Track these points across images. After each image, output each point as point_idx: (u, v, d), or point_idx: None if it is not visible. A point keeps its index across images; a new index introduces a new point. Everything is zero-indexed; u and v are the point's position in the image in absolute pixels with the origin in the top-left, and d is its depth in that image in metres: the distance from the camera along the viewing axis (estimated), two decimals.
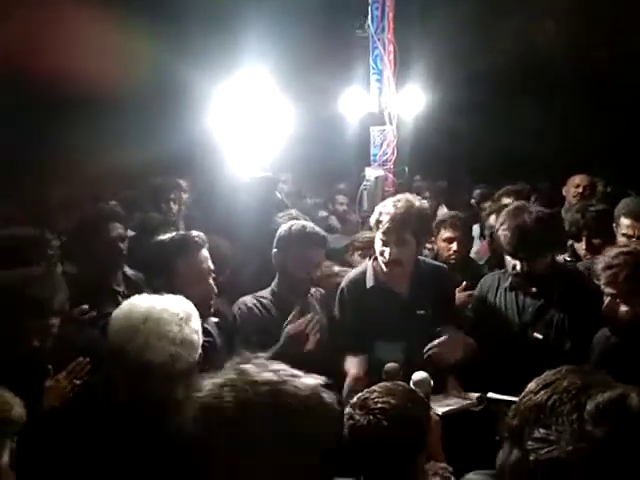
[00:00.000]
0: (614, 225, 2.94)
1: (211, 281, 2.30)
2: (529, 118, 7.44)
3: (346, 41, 4.73)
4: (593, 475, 0.82)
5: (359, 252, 3.33)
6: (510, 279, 2.59)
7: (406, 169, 4.48)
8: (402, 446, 1.55)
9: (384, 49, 4.48)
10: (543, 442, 0.86)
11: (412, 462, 1.58)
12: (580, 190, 4.17)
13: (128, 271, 3.01)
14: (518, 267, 2.45)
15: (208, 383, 1.10)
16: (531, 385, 0.95)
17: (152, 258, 2.48)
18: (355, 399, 1.62)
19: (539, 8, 7.39)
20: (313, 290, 2.68)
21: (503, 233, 2.46)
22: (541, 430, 0.87)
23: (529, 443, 0.88)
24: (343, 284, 2.61)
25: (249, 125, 3.74)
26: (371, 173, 4.43)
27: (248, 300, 2.55)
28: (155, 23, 5.58)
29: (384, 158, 4.42)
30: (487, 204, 4.55)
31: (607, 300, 2.06)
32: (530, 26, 7.66)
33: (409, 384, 1.95)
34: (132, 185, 5.19)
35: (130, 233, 3.37)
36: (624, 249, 2.10)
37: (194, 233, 2.33)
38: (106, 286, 2.84)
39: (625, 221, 2.80)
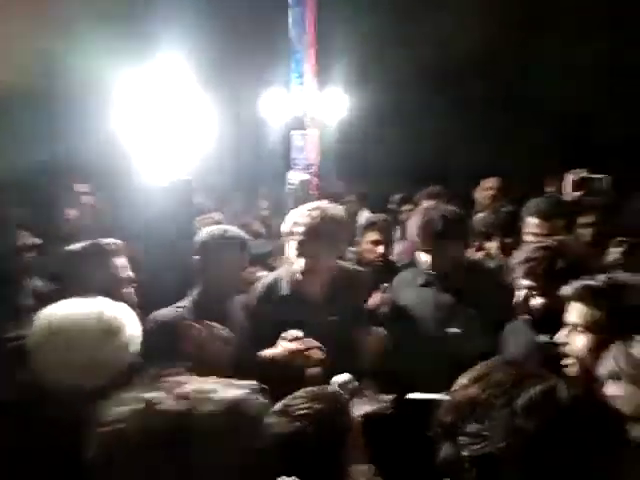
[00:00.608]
0: (521, 224, 3.05)
1: (130, 291, 2.16)
2: (447, 125, 7.73)
3: (268, 42, 4.69)
4: (526, 469, 0.83)
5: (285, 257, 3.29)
6: (425, 276, 2.64)
7: (330, 173, 4.50)
8: (327, 451, 1.53)
9: (305, 52, 4.48)
10: (476, 437, 0.86)
11: (337, 466, 1.57)
12: (492, 192, 4.31)
13: (38, 283, 2.81)
14: (429, 262, 2.52)
15: (113, 410, 1.03)
16: (462, 379, 0.96)
17: (63, 268, 2.31)
18: (278, 405, 1.59)
19: (457, 16, 7.69)
20: (236, 297, 2.60)
21: (415, 231, 2.54)
22: (474, 425, 0.87)
23: (462, 438, 0.88)
24: (257, 291, 2.55)
25: (164, 122, 3.57)
26: (295, 177, 4.41)
27: (165, 314, 2.40)
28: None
29: (308, 162, 4.42)
30: (406, 207, 4.66)
31: (522, 292, 2.13)
32: (447, 35, 7.95)
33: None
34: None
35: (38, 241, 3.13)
36: (543, 244, 2.17)
37: (108, 240, 2.18)
38: (10, 301, 2.63)
39: (533, 220, 2.90)
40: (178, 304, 2.47)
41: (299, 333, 2.29)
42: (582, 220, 3.06)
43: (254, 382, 1.12)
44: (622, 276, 1.70)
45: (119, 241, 2.18)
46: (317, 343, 2.23)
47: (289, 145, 4.46)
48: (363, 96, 4.72)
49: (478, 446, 0.86)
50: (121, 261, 2.16)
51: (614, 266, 2.69)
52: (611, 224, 2.87)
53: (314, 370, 2.14)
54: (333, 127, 4.51)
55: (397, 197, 5.37)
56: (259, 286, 2.58)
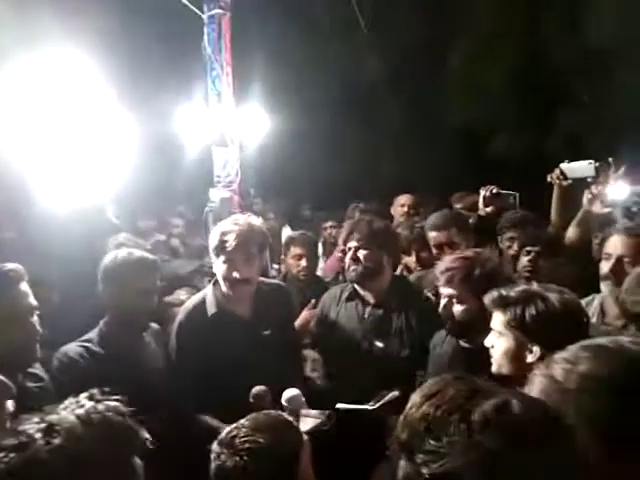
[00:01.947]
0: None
1: (34, 320, 1.98)
2: (364, 144, 7.96)
3: (185, 60, 4.60)
4: None
5: (209, 277, 3.21)
6: (350, 290, 2.68)
7: (252, 191, 4.47)
8: None
9: (222, 70, 4.45)
10: (434, 455, 0.85)
11: None
12: (405, 209, 4.44)
13: None
14: (355, 272, 2.56)
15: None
16: (415, 397, 0.94)
17: None
18: (223, 435, 1.52)
19: (371, 36, 7.97)
20: (151, 326, 2.49)
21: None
22: (431, 442, 0.86)
23: (420, 456, 0.87)
24: (181, 315, 2.46)
25: (76, 139, 3.36)
26: (216, 194, 4.33)
27: (70, 349, 2.24)
28: None
29: (228, 179, 4.36)
30: (328, 224, 4.73)
31: (444, 301, 2.21)
32: (359, 60, 8.23)
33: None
34: None
35: None
36: (462, 254, 2.28)
37: (8, 265, 1.95)
38: None
39: (430, 234, 3.09)
40: (83, 338, 2.30)
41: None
42: (507, 235, 3.23)
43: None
44: (534, 287, 1.79)
45: (20, 266, 1.98)
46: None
47: (209, 162, 4.38)
48: (281, 114, 4.74)
49: (437, 464, 0.85)
50: (23, 288, 1.96)
51: (523, 273, 2.87)
52: (530, 236, 3.04)
53: (258, 388, 2.08)
54: (252, 145, 4.48)
55: (320, 214, 5.45)
56: (186, 307, 2.49)
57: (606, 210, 2.82)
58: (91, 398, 1.03)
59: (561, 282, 1.87)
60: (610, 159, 2.95)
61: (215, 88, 4.42)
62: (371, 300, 2.63)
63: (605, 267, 2.42)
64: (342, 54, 8.05)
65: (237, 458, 1.44)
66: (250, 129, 4.49)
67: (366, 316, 2.62)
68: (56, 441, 0.94)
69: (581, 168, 2.98)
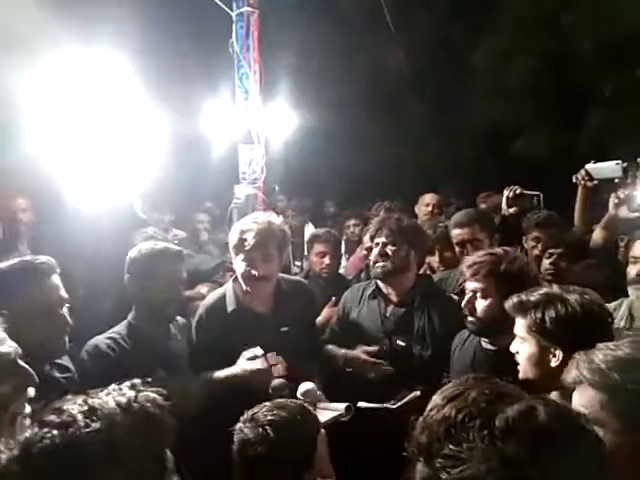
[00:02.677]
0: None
1: (64, 312, 2.05)
2: (389, 142, 7.93)
3: (212, 57, 4.64)
4: None
5: (231, 273, 3.25)
6: (372, 288, 2.68)
7: (276, 188, 4.49)
8: (290, 461, 1.54)
9: (250, 68, 4.47)
10: (454, 460, 0.82)
11: (299, 478, 1.56)
12: (430, 208, 4.43)
13: None
14: (381, 268, 2.57)
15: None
16: (436, 398, 0.92)
17: None
18: (246, 414, 1.60)
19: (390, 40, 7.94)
20: (178, 319, 2.53)
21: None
22: (451, 447, 0.83)
23: (439, 461, 0.84)
24: (201, 310, 2.51)
25: (109, 136, 3.44)
26: (241, 191, 4.37)
27: (99, 342, 2.28)
28: None
29: (253, 176, 4.40)
30: (351, 222, 4.74)
31: (468, 296, 2.20)
32: (384, 58, 8.19)
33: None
34: None
35: None
36: (490, 250, 2.28)
37: (41, 258, 2.02)
38: None
39: (454, 231, 3.07)
40: (111, 332, 2.35)
41: (258, 351, 2.26)
42: (531, 235, 3.21)
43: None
44: (554, 289, 1.77)
45: (52, 259, 2.04)
46: (279, 358, 2.20)
47: (236, 159, 4.42)
48: (307, 111, 4.75)
49: (456, 470, 0.82)
50: (54, 281, 2.02)
51: (546, 275, 2.84)
52: (553, 238, 3.01)
53: (277, 381, 2.12)
54: (278, 142, 4.50)
55: (344, 212, 5.45)
56: (205, 303, 2.53)
57: (633, 214, 2.77)
58: (133, 387, 1.05)
59: (589, 285, 1.84)
60: (639, 159, 2.89)
61: (242, 86, 4.44)
62: (394, 298, 2.64)
63: (632, 271, 2.39)
64: (368, 51, 8.04)
65: (260, 429, 1.53)
66: (276, 126, 4.52)
67: (388, 314, 2.62)
68: (95, 425, 0.96)
69: (608, 169, 2.92)
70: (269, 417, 1.56)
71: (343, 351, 2.64)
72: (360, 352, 2.56)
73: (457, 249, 3.04)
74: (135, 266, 2.37)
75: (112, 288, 2.82)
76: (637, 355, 1.14)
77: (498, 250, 2.26)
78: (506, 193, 3.38)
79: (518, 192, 3.32)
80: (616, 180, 2.90)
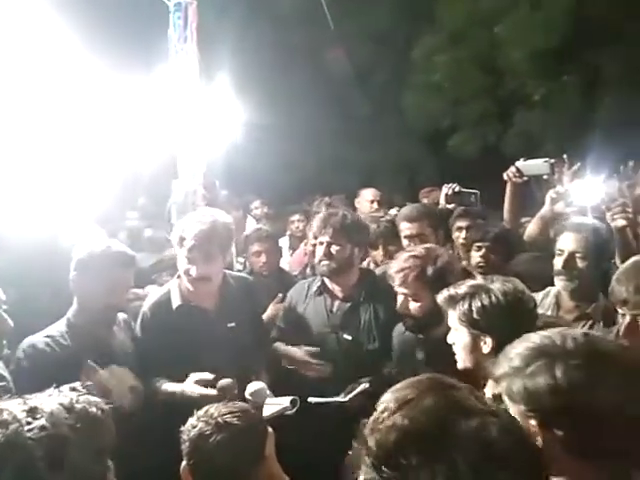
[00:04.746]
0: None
1: (2, 314, 1.93)
2: (332, 138, 7.98)
3: (150, 48, 4.49)
4: None
5: (168, 270, 3.17)
6: (318, 284, 2.69)
7: (217, 183, 4.41)
8: (247, 451, 1.54)
9: (188, 59, 4.36)
10: (402, 473, 0.80)
11: (248, 476, 1.55)
12: (373, 204, 4.50)
13: None
14: (327, 267, 2.58)
15: None
16: (388, 399, 0.89)
17: None
18: (195, 415, 1.59)
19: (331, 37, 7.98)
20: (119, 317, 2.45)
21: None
22: (400, 459, 0.80)
23: (386, 470, 0.82)
24: (145, 308, 2.46)
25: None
26: (180, 187, 4.26)
27: (37, 340, 2.18)
28: None
29: (193, 172, 4.29)
30: (295, 218, 4.73)
31: (400, 299, 2.27)
32: (325, 54, 8.22)
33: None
34: None
35: None
36: (412, 252, 2.32)
37: None
38: None
39: (403, 225, 3.14)
40: (48, 330, 2.26)
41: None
42: (456, 224, 3.30)
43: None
44: (479, 280, 1.86)
45: None
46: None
47: (174, 153, 4.30)
48: (250, 106, 4.69)
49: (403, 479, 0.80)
50: None
51: (475, 268, 2.95)
52: (479, 232, 3.11)
53: (225, 381, 2.09)
54: (220, 137, 4.42)
55: (287, 207, 5.43)
56: (150, 300, 2.47)
57: (568, 209, 2.91)
58: (73, 390, 1.04)
59: (523, 276, 1.93)
60: (565, 156, 3.05)
61: (181, 78, 4.33)
62: (340, 294, 2.66)
63: (558, 263, 2.50)
64: (308, 47, 8.04)
65: (217, 420, 1.54)
66: (218, 121, 4.43)
67: (334, 310, 2.65)
68: (39, 422, 0.94)
69: (536, 166, 3.06)
70: (224, 410, 1.57)
71: (286, 349, 2.65)
72: (301, 352, 2.57)
73: (405, 242, 3.09)
74: (84, 265, 2.28)
75: (45, 285, 2.69)
76: (545, 345, 1.18)
77: (421, 251, 2.31)
78: (445, 190, 3.48)
79: (457, 190, 3.43)
80: (544, 176, 3.05)
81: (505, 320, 1.64)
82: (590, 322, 2.41)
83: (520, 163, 3.13)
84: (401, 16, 8.10)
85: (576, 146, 3.93)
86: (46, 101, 3.31)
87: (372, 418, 0.90)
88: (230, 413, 1.57)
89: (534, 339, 1.22)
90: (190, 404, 2.04)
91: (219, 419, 1.55)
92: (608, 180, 2.86)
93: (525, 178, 3.12)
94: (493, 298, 1.72)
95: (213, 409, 1.59)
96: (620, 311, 1.74)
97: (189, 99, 4.26)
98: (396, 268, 2.26)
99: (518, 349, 1.21)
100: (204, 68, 4.49)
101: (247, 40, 6.76)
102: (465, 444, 0.80)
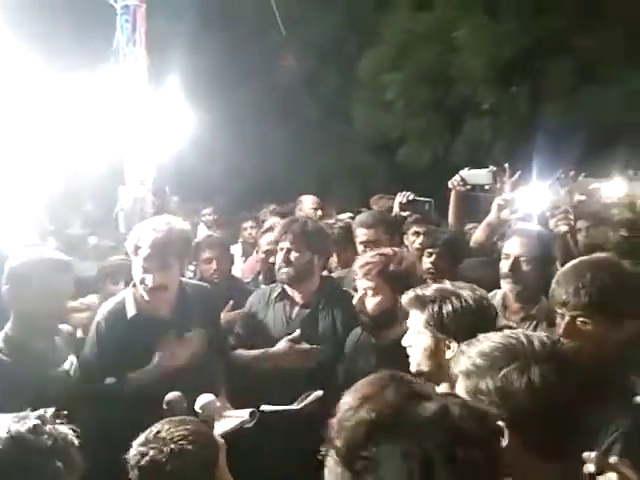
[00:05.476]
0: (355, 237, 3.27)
1: None
2: (282, 145, 7.96)
3: (97, 50, 4.37)
4: None
5: (111, 279, 3.07)
6: (279, 290, 2.68)
7: (167, 189, 4.32)
8: (200, 473, 1.49)
9: (136, 63, 4.27)
10: (375, 462, 0.83)
11: None
12: (315, 210, 4.43)
13: None
14: (286, 274, 2.56)
15: None
16: (349, 399, 0.91)
17: None
18: (143, 437, 1.51)
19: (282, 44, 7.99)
20: (61, 328, 2.35)
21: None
22: (371, 449, 0.83)
23: (360, 463, 0.84)
24: (99, 317, 2.37)
25: None
26: (127, 193, 4.15)
27: None
28: None
29: (142, 177, 4.19)
30: (248, 224, 4.67)
31: (359, 294, 2.29)
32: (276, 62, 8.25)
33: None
34: None
35: None
36: (380, 251, 2.37)
37: None
38: None
39: (359, 231, 3.17)
40: None
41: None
42: (413, 230, 3.35)
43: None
44: (448, 285, 1.85)
45: None
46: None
47: (121, 159, 4.19)
48: (200, 111, 4.62)
49: (377, 471, 0.82)
50: None
51: (425, 273, 2.99)
52: (431, 238, 3.16)
53: (172, 395, 2.01)
54: (170, 142, 4.33)
55: (240, 214, 5.36)
56: (104, 310, 2.39)
57: (513, 216, 2.99)
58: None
59: (470, 281, 1.96)
60: (506, 165, 3.16)
61: (129, 81, 4.23)
62: (300, 300, 2.65)
63: (504, 266, 2.57)
64: (260, 54, 8.03)
65: (172, 445, 1.46)
66: (167, 126, 4.34)
67: (294, 316, 2.63)
68: None
69: (479, 175, 3.17)
70: (178, 433, 1.49)
71: (257, 351, 2.58)
72: (286, 343, 2.50)
73: (361, 248, 3.10)
74: (15, 275, 2.15)
75: None
76: (499, 345, 1.22)
77: (388, 250, 2.36)
78: (399, 198, 3.52)
79: (410, 198, 3.47)
80: (486, 186, 3.14)
81: (473, 326, 1.62)
82: (535, 323, 2.49)
83: (464, 172, 3.22)
84: (348, 27, 8.22)
85: (523, 154, 4.06)
86: None
87: (337, 419, 0.91)
88: (183, 438, 1.48)
89: (498, 339, 1.25)
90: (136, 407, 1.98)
91: (172, 446, 1.46)
92: (552, 187, 2.96)
93: (468, 187, 3.20)
94: (464, 303, 1.73)
95: (164, 432, 1.50)
96: (559, 311, 1.78)
97: (137, 103, 4.16)
98: (361, 262, 2.30)
99: (482, 348, 1.24)
100: (154, 73, 4.41)
101: (199, 46, 6.68)
102: (429, 426, 0.84)
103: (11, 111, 3.25)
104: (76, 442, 1.00)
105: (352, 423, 0.86)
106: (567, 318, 1.73)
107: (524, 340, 1.22)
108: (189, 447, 1.46)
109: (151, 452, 1.46)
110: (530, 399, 1.14)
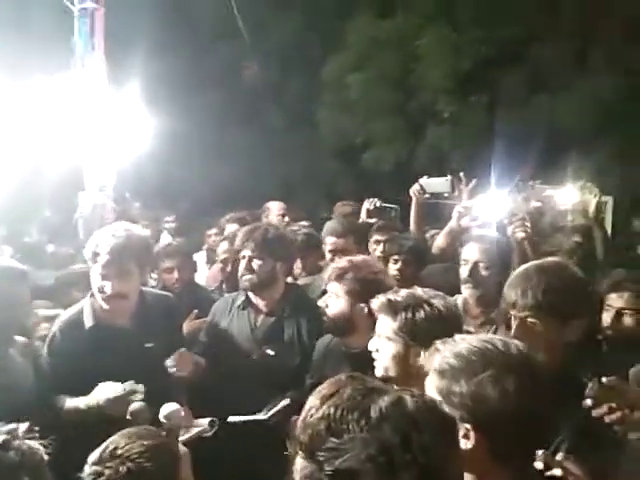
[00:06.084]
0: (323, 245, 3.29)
1: None
2: (246, 150, 7.94)
3: (53, 52, 4.27)
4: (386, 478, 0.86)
5: (74, 287, 2.99)
6: (242, 298, 2.66)
7: (128, 195, 4.25)
8: None
9: (95, 67, 4.20)
10: (336, 451, 0.87)
11: None
12: (282, 216, 4.42)
13: None
14: (249, 282, 2.55)
15: None
16: (312, 400, 0.96)
17: None
18: (98, 454, 1.42)
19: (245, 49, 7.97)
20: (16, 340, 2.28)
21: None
22: (333, 440, 0.88)
23: (321, 454, 0.88)
24: (55, 328, 2.31)
25: None
26: (86, 199, 4.06)
27: None
28: None
29: (101, 183, 4.11)
30: (212, 231, 4.63)
31: (327, 297, 2.30)
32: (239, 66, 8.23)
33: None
34: None
35: None
36: (351, 257, 2.38)
37: None
38: None
39: (328, 239, 3.19)
40: None
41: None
42: (374, 238, 3.39)
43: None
44: (419, 291, 1.87)
45: None
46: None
47: (79, 164, 4.10)
48: (162, 115, 4.57)
49: (339, 460, 0.87)
50: None
51: (394, 280, 3.03)
52: (395, 245, 3.21)
53: (136, 405, 1.98)
54: (130, 147, 4.26)
55: (203, 220, 5.30)
56: (61, 319, 2.33)
57: (473, 224, 3.07)
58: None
59: (432, 287, 1.99)
60: (461, 174, 3.24)
61: (88, 86, 4.15)
62: (264, 308, 2.63)
63: (464, 272, 2.63)
64: (222, 58, 7.98)
65: (130, 464, 1.38)
66: (127, 131, 4.27)
67: (258, 324, 2.61)
68: None
69: (438, 183, 3.25)
70: (135, 449, 1.41)
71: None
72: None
73: (329, 256, 3.11)
74: None
75: None
76: (475, 349, 1.25)
77: (358, 258, 2.37)
78: (366, 205, 3.56)
79: (378, 205, 3.52)
80: (445, 194, 3.22)
81: (443, 333, 1.58)
82: (494, 327, 2.55)
83: (423, 181, 3.30)
84: (311, 33, 8.27)
85: (482, 161, 4.16)
86: None
87: (300, 419, 0.96)
88: (140, 455, 1.40)
89: (475, 342, 1.27)
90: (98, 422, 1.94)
91: (129, 464, 1.38)
92: (509, 194, 3.05)
93: (428, 195, 3.28)
94: (435, 311, 1.75)
95: (120, 449, 1.41)
96: (511, 313, 1.83)
97: (96, 108, 4.08)
98: (334, 267, 2.30)
99: (459, 349, 1.26)
100: (113, 77, 4.34)
101: (159, 50, 6.61)
102: (385, 414, 0.90)
103: None
104: (45, 458, 0.97)
105: (314, 419, 0.92)
106: (517, 320, 1.78)
107: (500, 346, 1.24)
108: (147, 464, 1.39)
109: (106, 472, 1.37)
110: (502, 406, 1.18)
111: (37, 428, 1.04)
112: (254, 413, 2.30)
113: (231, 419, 2.22)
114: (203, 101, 7.61)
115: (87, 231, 3.80)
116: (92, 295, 2.32)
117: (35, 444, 0.97)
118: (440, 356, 1.28)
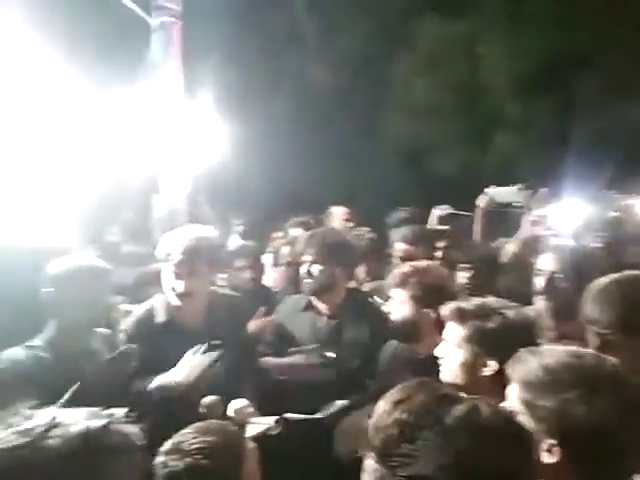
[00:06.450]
0: (391, 250, 3.29)
1: None
2: (314, 156, 8.05)
3: (133, 64, 4.51)
4: None
5: (151, 285, 3.15)
6: (306, 300, 2.71)
7: (200, 199, 4.42)
8: None
9: (171, 78, 4.38)
10: (409, 457, 0.88)
11: None
12: (346, 221, 4.46)
13: None
14: (309, 286, 2.61)
15: None
16: (383, 405, 0.97)
17: None
18: (166, 447, 1.49)
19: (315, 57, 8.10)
20: (98, 332, 2.44)
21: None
22: (406, 445, 0.89)
23: (395, 459, 0.89)
24: (127, 324, 2.45)
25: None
26: (162, 202, 4.26)
27: (14, 353, 2.17)
28: None
29: (176, 187, 4.30)
30: (278, 235, 4.73)
31: (392, 305, 2.31)
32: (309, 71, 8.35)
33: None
34: None
35: None
36: (414, 265, 2.38)
37: None
38: None
39: (399, 246, 3.19)
40: (29, 343, 2.24)
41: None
42: (443, 245, 3.37)
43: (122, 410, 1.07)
44: (491, 300, 1.85)
45: None
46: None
47: (156, 170, 4.31)
48: (235, 123, 4.73)
49: (412, 466, 0.88)
50: None
51: (461, 288, 2.99)
52: (465, 254, 3.16)
53: (210, 398, 2.07)
54: (204, 153, 4.43)
55: (271, 223, 5.42)
56: (135, 314, 2.46)
57: (547, 232, 2.98)
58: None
59: (506, 297, 1.96)
60: (531, 184, 3.14)
61: (164, 95, 4.35)
62: (326, 311, 2.68)
63: (539, 283, 2.56)
64: (294, 68, 8.14)
65: (189, 459, 1.43)
66: (202, 136, 4.45)
67: (320, 327, 2.66)
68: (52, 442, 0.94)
69: (508, 193, 3.16)
70: (195, 445, 1.45)
71: (279, 360, 2.63)
72: (300, 357, 2.55)
73: (397, 262, 3.12)
74: (58, 282, 2.26)
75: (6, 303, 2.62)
76: (565, 364, 1.21)
77: (421, 264, 2.39)
78: (437, 212, 3.53)
79: (450, 211, 3.49)
80: (514, 203, 3.14)
81: (515, 345, 1.55)
82: (569, 341, 2.46)
83: (491, 190, 3.21)
84: (379, 39, 8.27)
85: (552, 168, 4.04)
86: (28, 118, 3.30)
87: (372, 423, 0.97)
88: (199, 451, 1.43)
89: (565, 356, 1.23)
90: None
91: (188, 460, 1.42)
92: (585, 203, 2.96)
93: (495, 205, 3.20)
94: (507, 322, 1.72)
95: (185, 443, 1.46)
96: (591, 329, 1.77)
97: (171, 117, 4.28)
98: (398, 272, 2.32)
99: (548, 362, 1.22)
100: (189, 85, 4.52)
101: (233, 57, 6.83)
102: (461, 422, 0.90)
103: (52, 127, 3.38)
104: (142, 443, 1.03)
105: (387, 423, 0.93)
106: (598, 337, 1.73)
107: (593, 362, 1.20)
108: (204, 462, 1.42)
109: (170, 463, 1.44)
110: (590, 425, 1.13)
111: (135, 413, 1.11)
112: (312, 413, 2.34)
113: (288, 416, 2.27)
114: (274, 108, 7.79)
115: (161, 233, 3.98)
116: (164, 293, 2.44)
117: (134, 428, 1.04)
118: (526, 367, 1.25)
